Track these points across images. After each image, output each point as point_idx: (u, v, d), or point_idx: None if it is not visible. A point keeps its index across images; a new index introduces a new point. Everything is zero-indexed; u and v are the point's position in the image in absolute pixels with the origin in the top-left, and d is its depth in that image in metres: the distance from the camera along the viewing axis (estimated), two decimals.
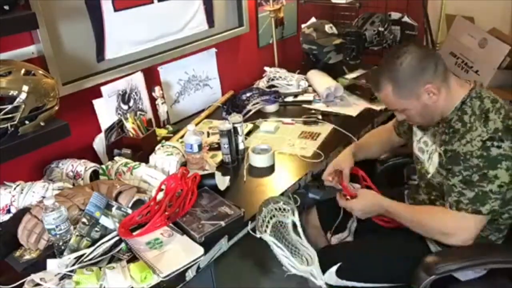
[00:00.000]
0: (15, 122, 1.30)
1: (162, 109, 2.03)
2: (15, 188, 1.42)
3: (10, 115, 1.29)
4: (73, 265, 1.20)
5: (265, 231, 1.31)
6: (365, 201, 1.47)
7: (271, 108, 2.21)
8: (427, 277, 1.30)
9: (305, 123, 2.05)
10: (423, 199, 1.52)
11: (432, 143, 1.45)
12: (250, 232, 1.36)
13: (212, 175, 1.54)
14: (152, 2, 1.93)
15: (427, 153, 1.47)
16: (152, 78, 2.02)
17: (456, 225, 1.29)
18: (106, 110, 1.82)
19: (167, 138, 1.90)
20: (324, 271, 1.40)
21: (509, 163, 1.23)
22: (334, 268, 1.45)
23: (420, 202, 1.53)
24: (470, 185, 1.26)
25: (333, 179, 1.59)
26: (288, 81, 2.38)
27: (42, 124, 1.38)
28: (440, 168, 1.38)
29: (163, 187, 1.42)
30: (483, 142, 1.24)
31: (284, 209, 1.41)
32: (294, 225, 1.41)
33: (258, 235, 1.30)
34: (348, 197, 1.52)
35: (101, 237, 1.28)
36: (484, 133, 1.24)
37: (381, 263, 1.47)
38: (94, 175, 1.59)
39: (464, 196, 1.27)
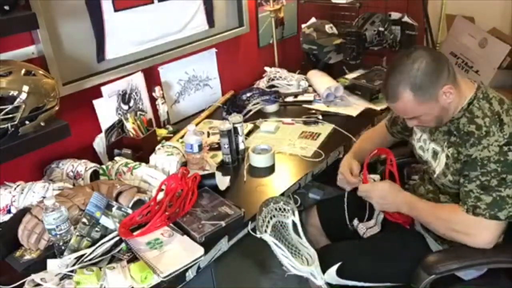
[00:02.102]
0: (16, 122, 1.30)
1: (162, 109, 2.03)
2: (15, 188, 1.42)
3: (10, 115, 1.29)
4: (74, 265, 1.20)
5: (265, 231, 1.31)
6: (384, 189, 1.45)
7: (271, 108, 2.21)
8: (427, 277, 1.30)
9: (305, 123, 2.05)
10: (423, 193, 1.52)
11: (430, 141, 1.45)
12: (250, 232, 1.37)
13: (212, 175, 1.54)
14: (152, 2, 1.92)
15: (428, 152, 1.47)
16: (152, 78, 2.01)
17: (475, 229, 1.29)
18: (106, 110, 1.82)
19: (167, 138, 1.90)
20: (324, 270, 1.39)
21: None
22: (334, 268, 1.44)
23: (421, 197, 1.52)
24: (488, 190, 1.25)
25: (354, 176, 1.57)
26: (288, 81, 2.38)
27: (42, 124, 1.38)
28: (446, 170, 1.37)
29: (163, 187, 1.42)
30: (500, 147, 1.24)
31: (284, 209, 1.41)
32: (294, 225, 1.42)
33: (258, 235, 1.30)
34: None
35: (101, 237, 1.29)
36: (500, 138, 1.24)
37: (382, 262, 1.47)
38: (94, 175, 1.59)
39: (481, 201, 1.26)
